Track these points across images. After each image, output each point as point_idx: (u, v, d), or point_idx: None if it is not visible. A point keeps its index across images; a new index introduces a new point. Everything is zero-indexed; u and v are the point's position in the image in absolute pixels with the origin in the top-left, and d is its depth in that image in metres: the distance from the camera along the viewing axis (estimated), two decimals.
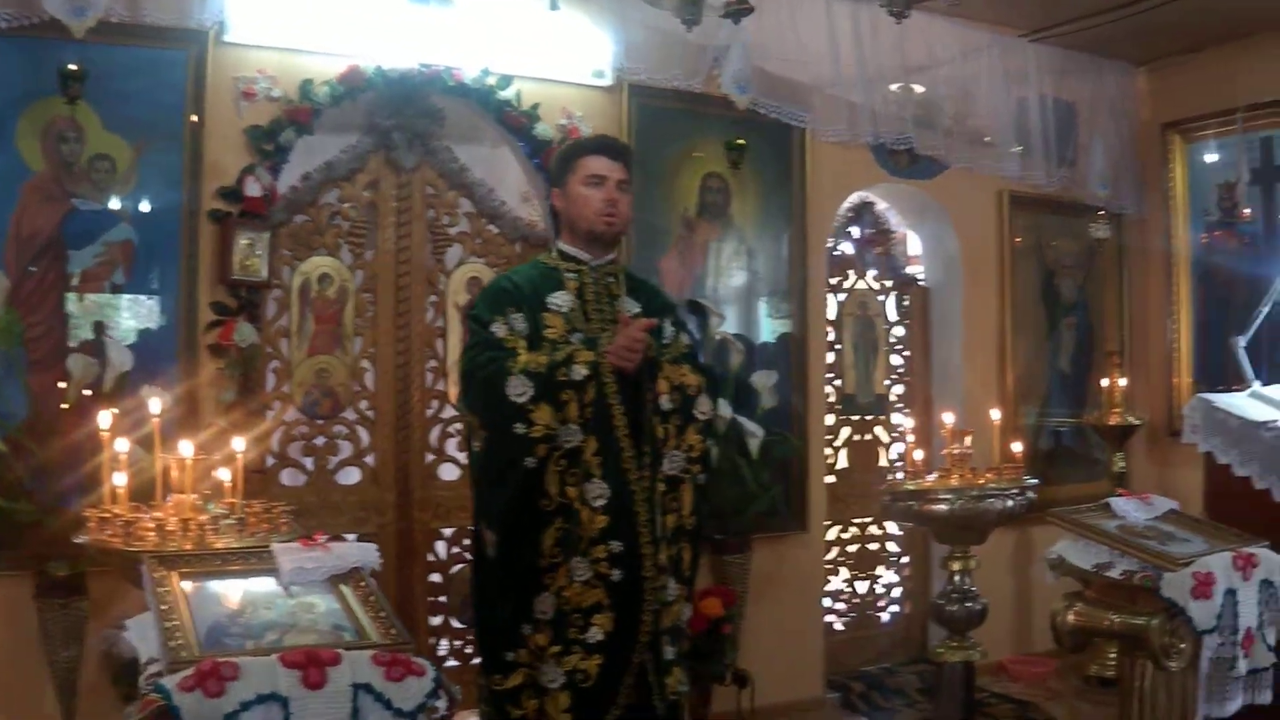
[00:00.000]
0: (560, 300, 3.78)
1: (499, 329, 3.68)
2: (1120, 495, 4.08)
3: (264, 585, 2.84)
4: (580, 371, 3.54)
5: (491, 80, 5.19)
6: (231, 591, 2.80)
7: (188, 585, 2.77)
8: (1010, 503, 4.06)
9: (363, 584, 2.83)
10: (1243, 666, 3.69)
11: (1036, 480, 4.26)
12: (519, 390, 3.50)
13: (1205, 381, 6.58)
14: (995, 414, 4.68)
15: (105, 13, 4.32)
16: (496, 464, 3.61)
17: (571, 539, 3.55)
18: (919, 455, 4.51)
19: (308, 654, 2.43)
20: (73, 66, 4.37)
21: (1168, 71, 7.05)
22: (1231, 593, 3.66)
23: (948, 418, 4.67)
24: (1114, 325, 7.19)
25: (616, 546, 3.55)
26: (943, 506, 4.04)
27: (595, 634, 3.54)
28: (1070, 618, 3.78)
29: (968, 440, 4.33)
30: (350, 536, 5.00)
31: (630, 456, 3.61)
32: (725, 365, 5.57)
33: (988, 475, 4.15)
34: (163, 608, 2.61)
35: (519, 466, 3.53)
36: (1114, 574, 3.71)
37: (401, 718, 2.43)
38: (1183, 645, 3.59)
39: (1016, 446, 4.58)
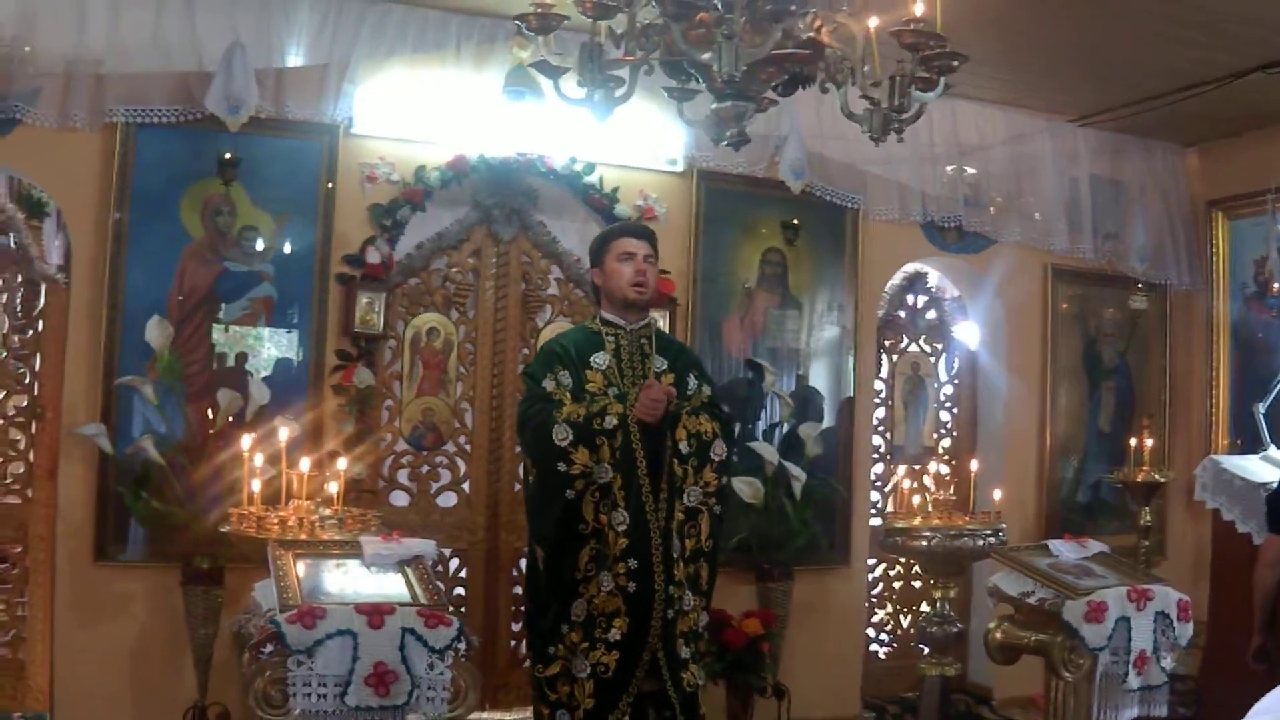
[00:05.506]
0: (600, 360, 4.51)
1: (549, 384, 4.44)
2: (1063, 539, 4.71)
3: (353, 565, 3.72)
4: (611, 422, 4.28)
5: (578, 166, 5.90)
6: (329, 568, 3.68)
7: (300, 563, 3.65)
8: (982, 542, 4.67)
9: (421, 567, 3.69)
10: (1134, 682, 4.25)
11: (1004, 525, 4.82)
12: (562, 435, 4.25)
13: (1243, 444, 6.87)
14: (974, 464, 5.26)
15: (255, 110, 5.12)
16: (544, 495, 4.35)
17: (601, 557, 4.29)
18: (917, 499, 5.11)
19: (374, 606, 3.34)
20: (228, 155, 5.23)
21: (1216, 152, 7.37)
22: (1125, 620, 4.24)
23: (933, 467, 5.26)
24: (1156, 389, 7.48)
25: (633, 564, 4.26)
26: (923, 543, 4.67)
27: (614, 634, 4.25)
28: (998, 635, 4.47)
29: (952, 489, 4.97)
30: (444, 550, 5.76)
31: (648, 491, 4.32)
32: (775, 416, 6.20)
33: (965, 518, 4.75)
34: (280, 573, 3.52)
35: (561, 497, 4.28)
36: (1033, 600, 4.35)
37: (434, 654, 3.31)
38: (1081, 661, 4.21)
39: (997, 494, 5.17)
